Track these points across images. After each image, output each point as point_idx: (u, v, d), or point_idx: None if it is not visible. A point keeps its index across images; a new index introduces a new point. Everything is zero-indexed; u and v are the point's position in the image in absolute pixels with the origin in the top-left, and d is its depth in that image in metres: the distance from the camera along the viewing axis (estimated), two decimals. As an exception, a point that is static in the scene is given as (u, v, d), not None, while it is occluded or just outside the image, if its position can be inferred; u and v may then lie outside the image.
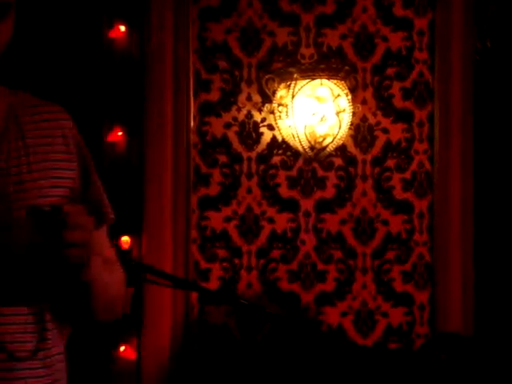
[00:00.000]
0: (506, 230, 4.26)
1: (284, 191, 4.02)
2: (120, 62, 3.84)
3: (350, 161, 4.06)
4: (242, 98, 4.05)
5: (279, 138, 4.05)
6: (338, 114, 4.00)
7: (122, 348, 3.90)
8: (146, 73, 3.80)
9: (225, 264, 3.99)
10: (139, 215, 3.83)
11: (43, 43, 3.99)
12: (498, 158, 4.32)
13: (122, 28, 3.89)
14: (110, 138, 3.97)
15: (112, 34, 3.92)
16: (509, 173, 4.27)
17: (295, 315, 3.99)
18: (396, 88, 4.18)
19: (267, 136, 4.05)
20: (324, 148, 4.00)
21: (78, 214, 1.64)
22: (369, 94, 4.14)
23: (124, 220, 3.79)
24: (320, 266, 4.04)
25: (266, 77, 4.04)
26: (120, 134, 3.91)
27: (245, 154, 4.05)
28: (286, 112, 4.02)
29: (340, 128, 4.01)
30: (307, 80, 4.00)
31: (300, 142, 3.98)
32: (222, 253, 3.99)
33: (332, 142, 3.99)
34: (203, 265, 3.98)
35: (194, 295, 3.93)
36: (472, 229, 4.21)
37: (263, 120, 4.05)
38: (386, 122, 4.18)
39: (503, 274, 4.28)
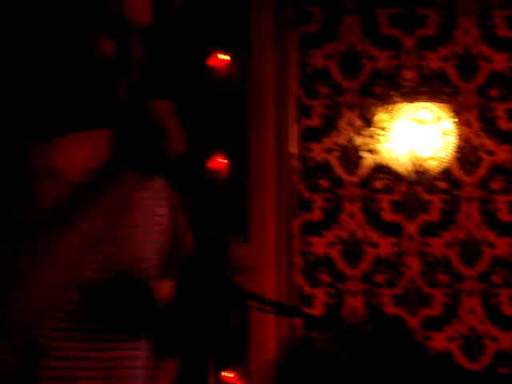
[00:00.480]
0: None
1: (387, 215, 4.01)
2: (222, 90, 3.92)
3: (455, 183, 4.00)
4: (343, 122, 4.05)
5: (381, 162, 4.04)
6: (441, 136, 3.97)
7: (226, 374, 3.93)
8: (247, 100, 3.88)
9: (329, 289, 3.99)
10: (242, 240, 3.88)
11: (150, 72, 4.12)
12: None
13: (224, 57, 4.00)
14: (213, 164, 4.02)
15: (215, 63, 4.03)
16: None
17: (402, 340, 3.97)
18: (500, 109, 4.07)
19: (369, 160, 4.04)
20: (428, 171, 3.98)
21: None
22: (472, 116, 4.06)
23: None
24: (425, 290, 3.97)
25: (367, 101, 4.05)
26: (222, 160, 3.96)
27: (347, 179, 4.04)
28: (388, 136, 4.02)
29: (444, 151, 3.97)
30: (409, 103, 4.01)
31: (403, 165, 3.97)
32: (325, 278, 3.99)
33: (436, 164, 3.96)
34: (307, 290, 3.99)
35: (298, 321, 3.92)
36: None
37: (364, 144, 4.04)
38: (490, 144, 4.07)
39: None
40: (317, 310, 3.98)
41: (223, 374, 3.92)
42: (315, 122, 4.07)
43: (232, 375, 3.93)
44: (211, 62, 4.04)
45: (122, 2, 1.74)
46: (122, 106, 1.74)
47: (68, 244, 1.61)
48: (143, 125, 1.70)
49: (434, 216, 4.05)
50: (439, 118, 4.02)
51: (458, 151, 4.04)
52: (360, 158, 4.06)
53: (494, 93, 4.08)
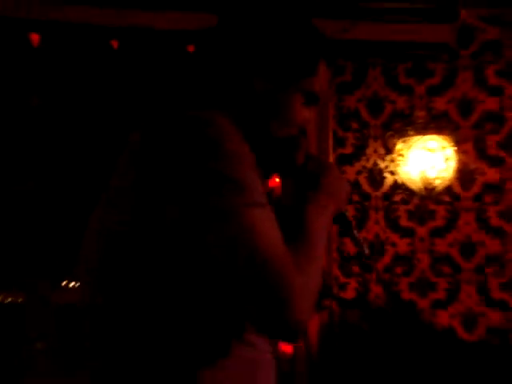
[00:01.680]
0: None
1: (403, 222, 4.29)
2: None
3: (455, 197, 4.23)
4: (370, 150, 4.34)
5: (399, 181, 4.30)
6: (445, 161, 4.23)
7: (285, 345, 4.09)
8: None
9: (359, 278, 4.28)
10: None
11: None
12: None
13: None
14: (271, 183, 4.15)
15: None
16: None
17: (414, 319, 4.19)
18: (491, 140, 4.33)
19: (390, 179, 4.32)
20: (434, 188, 4.25)
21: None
22: (469, 146, 4.31)
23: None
24: (433, 279, 4.25)
25: (388, 134, 4.33)
26: (277, 179, 4.08)
27: (372, 194, 4.32)
28: (404, 161, 4.27)
29: (447, 172, 4.22)
30: (420, 136, 4.27)
31: (416, 183, 4.25)
32: (356, 270, 4.29)
33: (441, 182, 4.22)
34: (342, 279, 4.29)
35: (335, 306, 4.17)
36: None
37: (386, 167, 4.33)
38: (483, 167, 4.33)
39: None
40: (349, 295, 4.25)
41: (282, 345, 4.10)
42: (348, 150, 4.35)
43: (289, 347, 4.15)
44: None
45: (314, 80, 1.74)
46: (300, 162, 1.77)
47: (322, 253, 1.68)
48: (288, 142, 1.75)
49: (439, 222, 4.27)
50: (443, 147, 4.26)
51: (458, 173, 4.28)
52: (383, 177, 4.33)
53: (486, 127, 4.35)
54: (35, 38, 4.25)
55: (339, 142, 4.37)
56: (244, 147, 1.55)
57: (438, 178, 4.27)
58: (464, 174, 4.35)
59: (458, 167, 4.29)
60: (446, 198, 4.28)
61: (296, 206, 1.71)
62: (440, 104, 4.40)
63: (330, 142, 4.34)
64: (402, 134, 4.31)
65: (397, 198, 4.31)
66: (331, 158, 4.29)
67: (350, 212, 4.22)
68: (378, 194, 4.32)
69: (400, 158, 4.31)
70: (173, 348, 1.58)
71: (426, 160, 4.28)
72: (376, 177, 4.33)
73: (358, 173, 4.36)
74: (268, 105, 1.71)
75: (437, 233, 4.27)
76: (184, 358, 1.58)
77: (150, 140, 1.56)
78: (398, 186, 4.32)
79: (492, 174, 4.36)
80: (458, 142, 4.29)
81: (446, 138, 4.27)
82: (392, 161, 4.32)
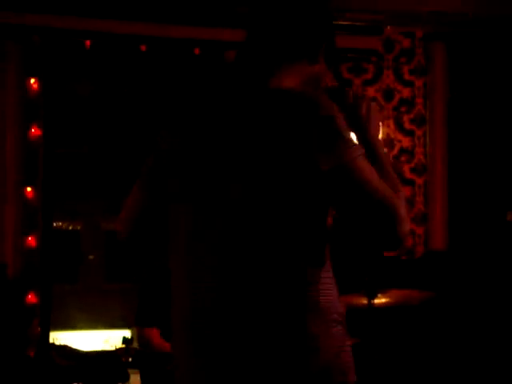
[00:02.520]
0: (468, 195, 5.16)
1: None
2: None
3: None
4: None
5: None
6: None
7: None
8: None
9: None
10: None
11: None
12: (461, 154, 5.22)
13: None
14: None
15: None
16: (466, 162, 5.17)
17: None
18: (405, 118, 5.08)
19: None
20: None
21: None
22: (391, 122, 5.06)
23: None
24: None
25: None
26: None
27: None
28: None
29: None
30: None
31: None
32: None
33: None
34: None
35: None
36: (447, 186, 5.09)
37: None
38: (400, 137, 5.10)
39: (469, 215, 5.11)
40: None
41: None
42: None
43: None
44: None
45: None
46: None
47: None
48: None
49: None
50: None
51: (382, 141, 4.60)
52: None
53: (402, 109, 5.09)
54: (88, 43, 4.87)
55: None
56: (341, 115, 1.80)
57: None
58: (386, 142, 5.06)
59: (383, 137, 4.99)
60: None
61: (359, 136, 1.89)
62: (371, 92, 5.14)
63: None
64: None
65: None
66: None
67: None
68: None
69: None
70: (291, 251, 1.78)
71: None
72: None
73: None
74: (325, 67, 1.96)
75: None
76: (298, 258, 1.79)
77: (297, 115, 1.76)
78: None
79: (406, 142, 5.17)
80: (383, 120, 4.91)
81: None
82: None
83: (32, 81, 4.85)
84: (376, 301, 3.62)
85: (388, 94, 5.20)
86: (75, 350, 3.87)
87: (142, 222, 1.96)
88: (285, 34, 1.90)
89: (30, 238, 4.80)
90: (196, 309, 1.82)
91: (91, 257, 8.24)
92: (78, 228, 8.51)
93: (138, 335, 3.89)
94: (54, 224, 5.43)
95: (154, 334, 3.86)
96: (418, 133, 5.20)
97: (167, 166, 1.90)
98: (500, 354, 4.70)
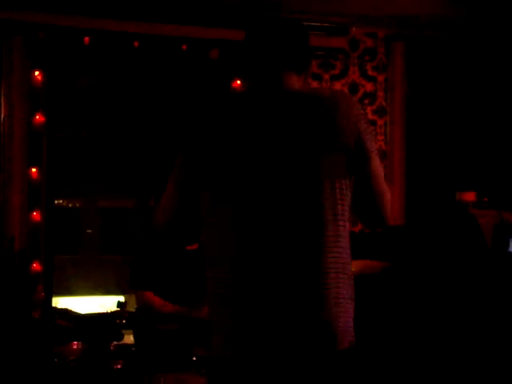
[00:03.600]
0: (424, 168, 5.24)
1: None
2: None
3: None
4: None
5: None
6: None
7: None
8: None
9: None
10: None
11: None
12: (417, 141, 5.30)
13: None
14: None
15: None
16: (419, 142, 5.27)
17: None
18: (368, 109, 5.09)
19: None
20: None
21: None
22: None
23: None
24: None
25: None
26: None
27: None
28: None
29: None
30: None
31: None
32: None
33: None
34: None
35: None
36: (404, 169, 5.15)
37: None
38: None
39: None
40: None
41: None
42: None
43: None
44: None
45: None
46: None
47: None
48: None
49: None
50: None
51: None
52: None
53: (366, 101, 5.13)
54: (87, 39, 4.93)
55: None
56: None
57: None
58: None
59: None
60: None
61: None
62: (338, 86, 5.19)
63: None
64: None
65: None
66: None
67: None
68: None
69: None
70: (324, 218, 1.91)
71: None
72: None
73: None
74: None
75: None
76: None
77: (335, 105, 1.94)
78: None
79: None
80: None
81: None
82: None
83: (36, 73, 4.90)
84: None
85: (353, 88, 5.25)
86: (75, 312, 3.92)
87: (176, 213, 2.03)
88: (282, 50, 2.03)
89: (34, 214, 4.86)
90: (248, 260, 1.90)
91: (89, 231, 8.27)
92: (77, 205, 8.52)
93: (138, 298, 3.95)
94: (56, 202, 5.43)
95: (153, 296, 3.93)
96: (380, 122, 5.26)
97: (202, 162, 1.96)
98: (449, 316, 4.65)
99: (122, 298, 3.84)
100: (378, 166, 1.96)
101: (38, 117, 4.91)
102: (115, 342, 3.67)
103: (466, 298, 4.23)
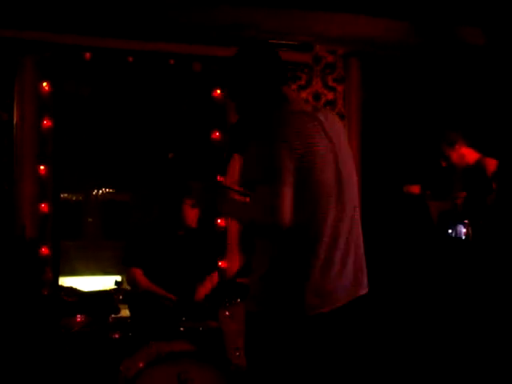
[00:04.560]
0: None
1: None
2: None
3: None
4: None
5: None
6: None
7: None
8: None
9: None
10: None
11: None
12: (372, 143, 5.24)
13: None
14: None
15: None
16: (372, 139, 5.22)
17: None
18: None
19: None
20: None
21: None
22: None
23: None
24: None
25: None
26: None
27: None
28: None
29: None
30: None
31: None
32: None
33: None
34: None
35: None
36: (360, 175, 4.82)
37: None
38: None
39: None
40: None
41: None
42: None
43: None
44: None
45: None
46: None
47: None
48: None
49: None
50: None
51: None
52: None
53: (328, 108, 4.78)
54: (88, 55, 4.93)
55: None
56: None
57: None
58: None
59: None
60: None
61: None
62: (304, 95, 5.11)
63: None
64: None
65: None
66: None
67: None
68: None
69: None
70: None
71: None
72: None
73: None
74: None
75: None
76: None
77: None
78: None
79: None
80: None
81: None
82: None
83: (44, 84, 4.93)
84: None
85: (316, 97, 5.22)
86: (78, 290, 4.01)
87: (291, 210, 2.15)
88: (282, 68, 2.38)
89: (43, 205, 4.88)
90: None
91: (90, 220, 8.47)
92: (80, 198, 8.70)
93: (128, 274, 4.05)
94: (62, 195, 5.51)
95: (139, 273, 4.02)
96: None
97: (307, 161, 2.19)
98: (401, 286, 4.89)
99: (119, 278, 3.94)
100: None
101: (45, 121, 4.92)
102: (113, 315, 3.74)
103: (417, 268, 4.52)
